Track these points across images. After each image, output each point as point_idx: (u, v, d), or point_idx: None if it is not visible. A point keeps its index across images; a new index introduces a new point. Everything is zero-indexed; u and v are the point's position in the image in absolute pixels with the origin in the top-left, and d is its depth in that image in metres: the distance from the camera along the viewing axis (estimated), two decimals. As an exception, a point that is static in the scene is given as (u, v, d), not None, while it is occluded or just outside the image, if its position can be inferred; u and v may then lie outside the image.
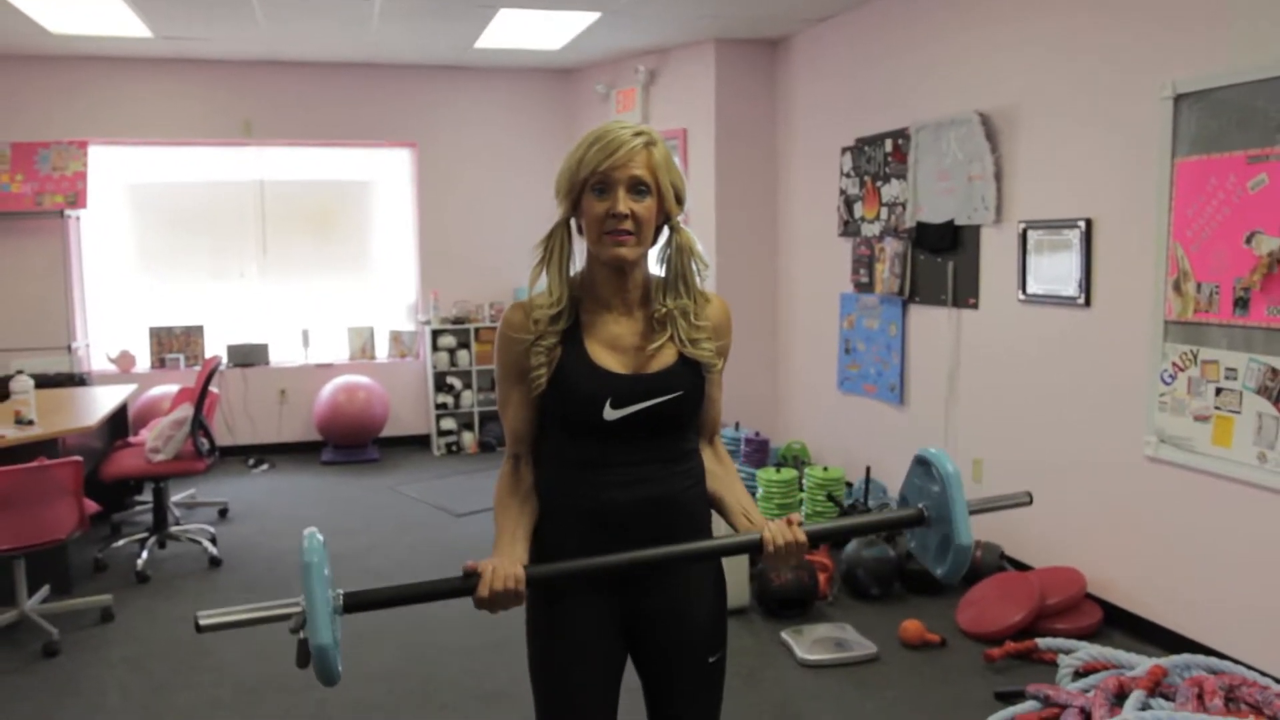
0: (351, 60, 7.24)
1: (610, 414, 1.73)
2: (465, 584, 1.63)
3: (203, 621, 1.52)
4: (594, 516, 1.76)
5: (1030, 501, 1.89)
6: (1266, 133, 3.25)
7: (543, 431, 1.82)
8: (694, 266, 1.81)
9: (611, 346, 1.77)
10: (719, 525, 1.90)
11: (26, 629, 4.01)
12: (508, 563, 1.65)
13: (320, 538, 1.58)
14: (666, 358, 1.78)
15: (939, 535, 1.81)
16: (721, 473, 1.91)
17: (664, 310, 1.78)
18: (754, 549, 1.72)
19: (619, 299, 1.79)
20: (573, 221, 1.78)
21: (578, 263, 1.81)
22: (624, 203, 1.68)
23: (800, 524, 1.73)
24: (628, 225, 1.69)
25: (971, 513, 1.77)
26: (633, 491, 1.76)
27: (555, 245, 1.78)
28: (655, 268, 1.84)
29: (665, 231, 1.80)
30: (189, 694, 3.54)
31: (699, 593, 1.84)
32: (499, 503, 1.82)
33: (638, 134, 1.71)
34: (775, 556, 1.71)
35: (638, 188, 1.70)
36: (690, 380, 1.79)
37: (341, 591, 1.57)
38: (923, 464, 1.86)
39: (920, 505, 1.83)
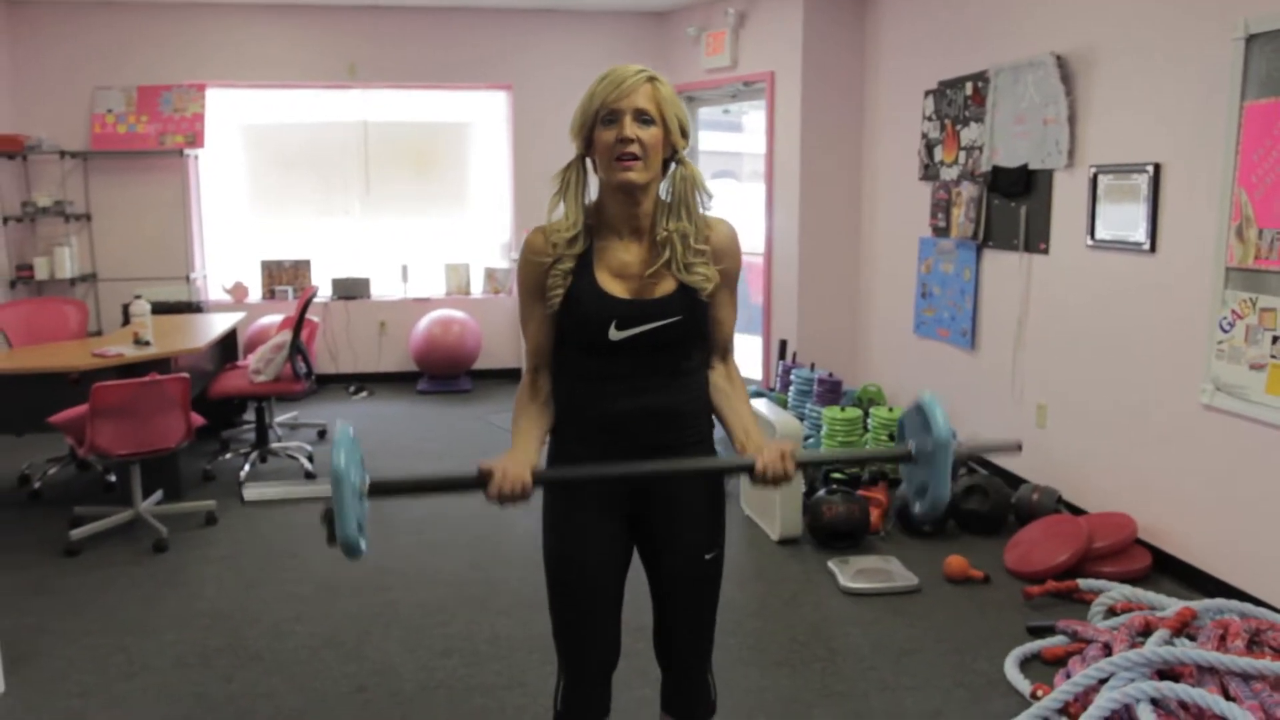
0: (450, 4, 7.47)
1: (615, 334, 1.92)
2: (478, 481, 1.81)
3: (247, 496, 1.80)
4: (602, 423, 1.96)
5: (1020, 449, 1.96)
6: (1336, 74, 3.16)
7: (559, 346, 2.02)
8: (698, 196, 1.96)
9: (619, 274, 1.94)
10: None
11: (140, 527, 4.47)
12: (517, 467, 1.83)
13: (350, 433, 1.78)
14: (668, 285, 1.93)
15: (922, 476, 1.93)
16: (729, 390, 2.06)
17: (665, 234, 1.93)
18: (747, 470, 1.87)
19: (628, 227, 1.95)
20: (587, 161, 1.96)
21: (592, 198, 1.98)
22: (630, 129, 1.85)
23: (793, 454, 1.85)
24: (634, 149, 1.85)
25: (962, 458, 1.85)
26: (636, 402, 1.94)
27: (571, 176, 1.97)
28: (663, 196, 1.98)
29: (672, 165, 1.95)
30: (275, 589, 3.92)
31: (695, 496, 2.03)
32: (518, 407, 2.02)
33: (640, 70, 1.88)
34: (764, 481, 1.85)
35: (642, 117, 1.86)
36: (689, 306, 1.94)
37: (369, 477, 1.77)
38: (922, 411, 1.92)
39: (911, 443, 1.95)
